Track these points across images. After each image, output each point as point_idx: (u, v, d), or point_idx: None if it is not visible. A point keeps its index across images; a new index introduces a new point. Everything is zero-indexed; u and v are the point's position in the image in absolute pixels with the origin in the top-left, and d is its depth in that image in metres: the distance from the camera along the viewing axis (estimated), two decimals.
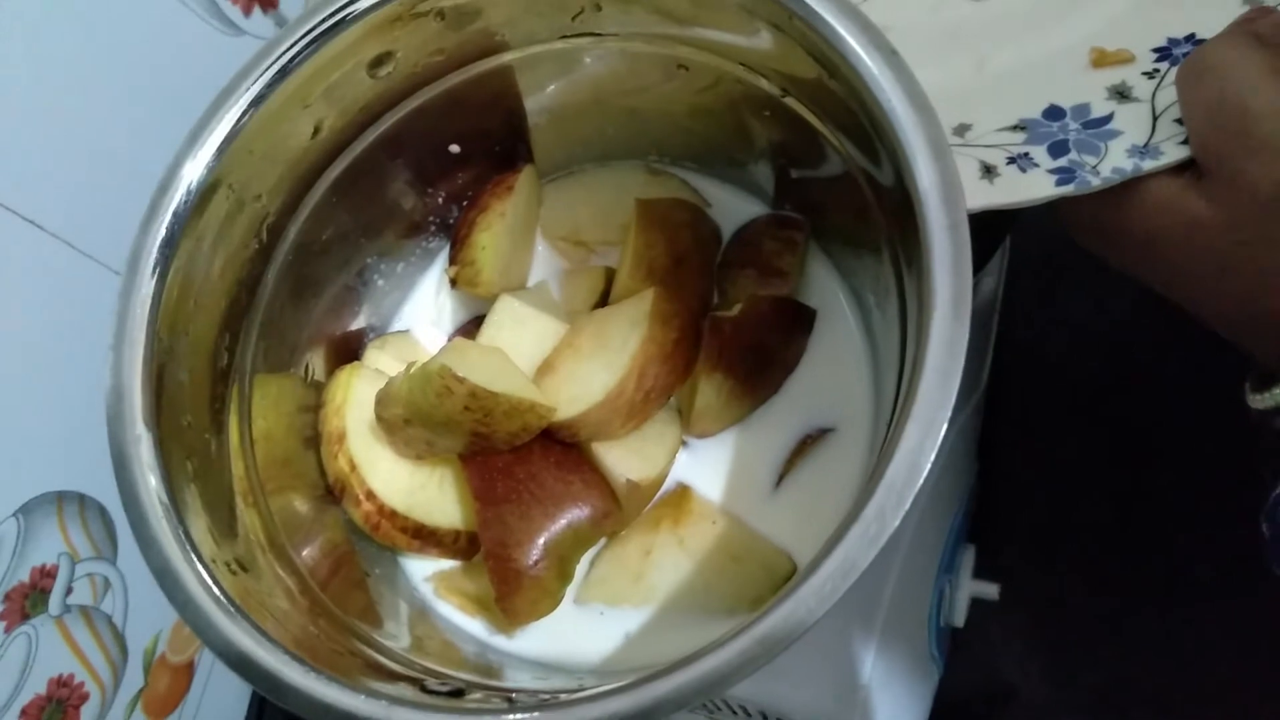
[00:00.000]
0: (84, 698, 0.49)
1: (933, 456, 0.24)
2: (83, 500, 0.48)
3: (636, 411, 0.35)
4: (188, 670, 0.58)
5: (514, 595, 0.32)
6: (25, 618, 0.45)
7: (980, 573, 0.54)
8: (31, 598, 0.45)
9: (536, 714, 0.24)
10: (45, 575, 0.46)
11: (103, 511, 0.49)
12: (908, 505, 0.23)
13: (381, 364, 0.39)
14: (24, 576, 0.44)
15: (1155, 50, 0.32)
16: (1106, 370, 0.63)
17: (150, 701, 0.54)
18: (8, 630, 0.44)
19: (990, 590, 0.54)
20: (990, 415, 0.59)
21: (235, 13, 0.54)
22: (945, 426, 0.24)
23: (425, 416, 0.33)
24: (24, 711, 0.45)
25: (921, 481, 0.24)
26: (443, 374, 0.32)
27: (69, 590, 0.47)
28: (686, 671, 0.23)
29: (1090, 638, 0.59)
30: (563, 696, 0.25)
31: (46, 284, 0.44)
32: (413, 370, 0.33)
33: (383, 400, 0.34)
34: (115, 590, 0.51)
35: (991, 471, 0.60)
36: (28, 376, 0.43)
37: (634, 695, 0.24)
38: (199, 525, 0.28)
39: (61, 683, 0.47)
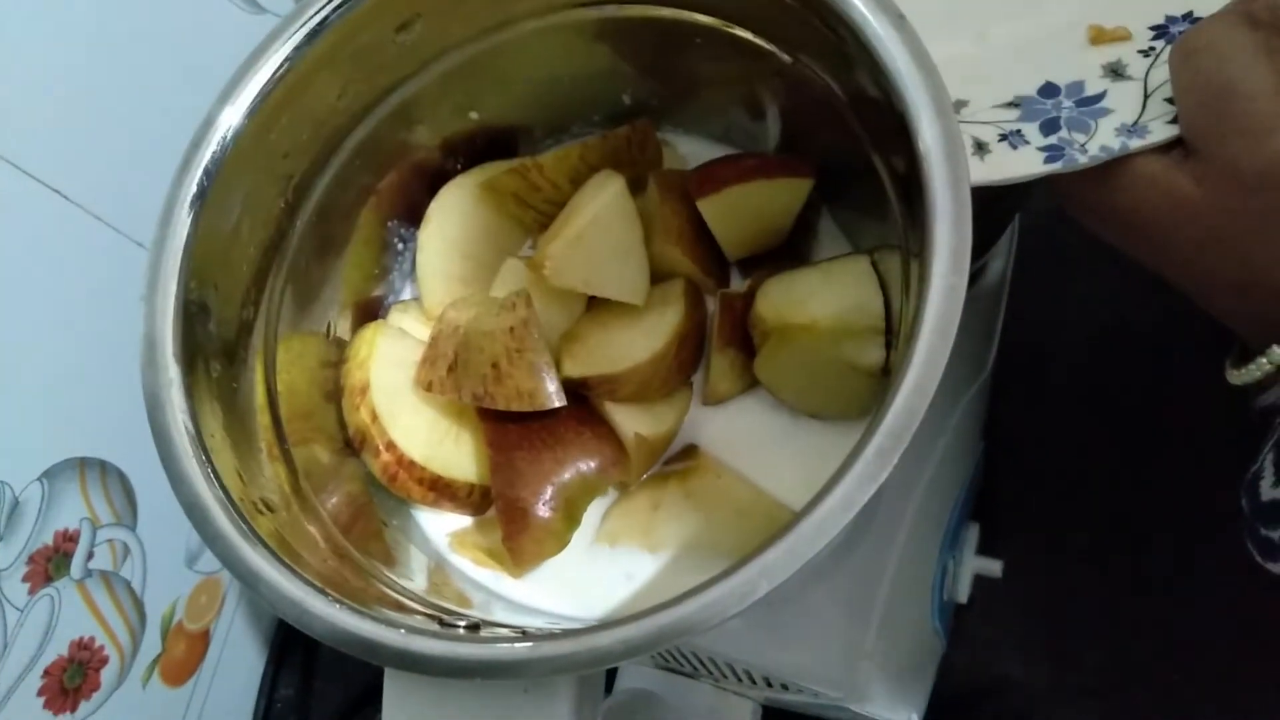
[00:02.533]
0: (104, 661, 0.50)
1: (929, 400, 0.25)
2: (104, 467, 0.49)
3: (669, 379, 0.37)
4: (204, 638, 0.59)
5: (520, 535, 0.34)
6: (48, 580, 0.46)
7: (984, 551, 0.55)
8: (54, 561, 0.46)
9: (549, 643, 0.25)
10: (68, 539, 0.47)
11: (123, 478, 0.50)
12: (904, 446, 0.24)
13: (405, 324, 0.40)
14: (48, 540, 0.46)
15: (1153, 28, 0.33)
16: (1113, 354, 0.64)
17: (167, 667, 0.56)
18: (32, 592, 0.45)
19: (994, 567, 0.55)
20: (997, 397, 0.59)
21: None
22: (942, 372, 0.25)
23: (474, 323, 0.35)
24: (47, 671, 0.46)
25: (918, 424, 0.25)
26: (520, 293, 0.35)
27: (90, 555, 0.48)
28: (692, 601, 0.24)
29: (1092, 620, 0.60)
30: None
31: (69, 253, 0.45)
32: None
33: (459, 304, 0.37)
34: (134, 556, 0.52)
35: (997, 452, 0.60)
36: (51, 344, 0.44)
37: (641, 625, 0.25)
38: (227, 466, 0.30)
39: (82, 645, 0.48)
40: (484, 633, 0.28)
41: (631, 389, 0.36)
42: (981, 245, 0.54)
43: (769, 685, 0.47)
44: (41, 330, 0.44)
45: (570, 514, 0.35)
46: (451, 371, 0.36)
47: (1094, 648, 0.59)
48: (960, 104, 0.33)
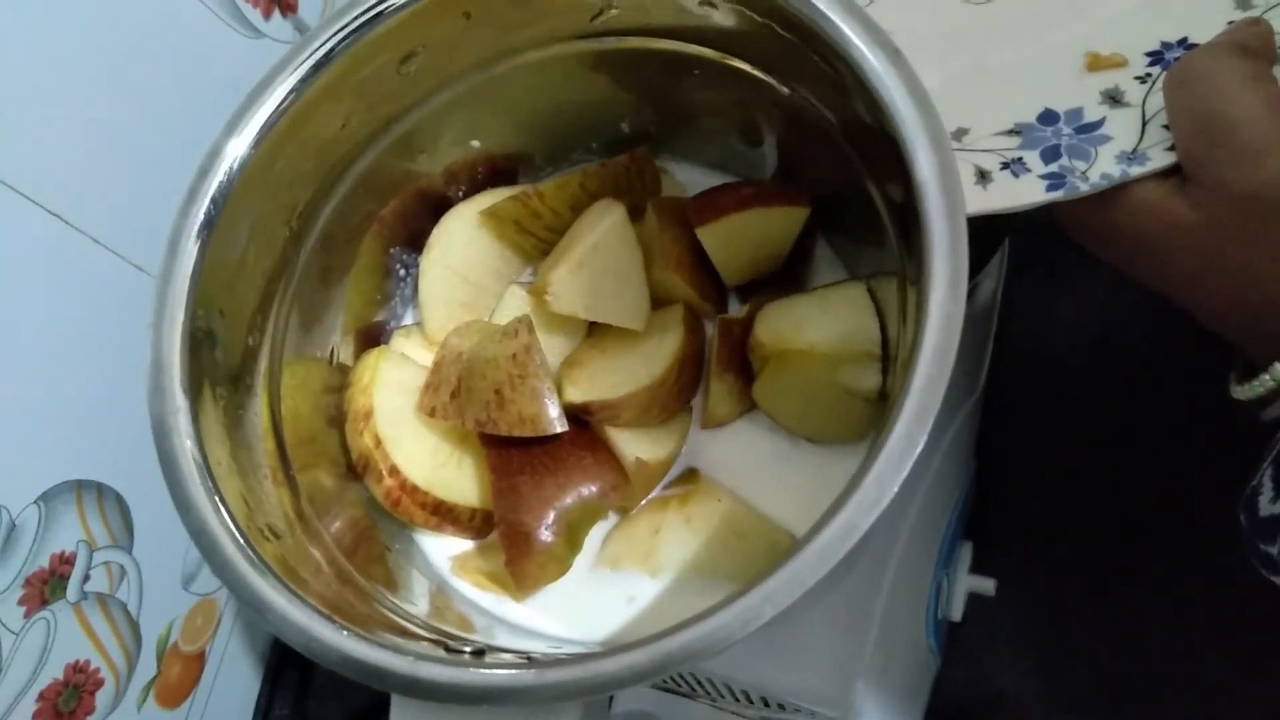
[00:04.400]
0: (99, 684, 0.50)
1: (929, 428, 0.25)
2: (101, 489, 0.48)
3: (669, 404, 0.38)
4: (199, 660, 0.59)
5: (523, 560, 0.34)
6: (44, 603, 0.45)
7: (977, 569, 0.56)
8: (51, 584, 0.46)
9: (554, 669, 0.25)
10: (64, 562, 0.47)
11: (120, 501, 0.50)
12: (905, 473, 0.25)
13: (408, 349, 0.41)
14: (44, 563, 0.45)
15: (1148, 54, 0.33)
16: (1104, 371, 0.64)
17: (163, 689, 0.55)
18: (28, 615, 0.44)
19: (987, 585, 0.55)
20: (989, 415, 0.60)
21: (255, 16, 0.55)
22: (941, 400, 0.25)
23: (477, 350, 0.35)
24: (42, 695, 0.46)
25: (919, 451, 0.25)
26: (522, 320, 0.35)
27: (86, 577, 0.48)
28: (696, 628, 0.25)
29: (1086, 636, 0.60)
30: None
31: (69, 277, 0.45)
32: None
33: (461, 330, 0.37)
34: (131, 579, 0.51)
35: (990, 470, 0.61)
36: (49, 368, 0.44)
37: (646, 651, 0.25)
38: (233, 493, 0.30)
39: (78, 668, 0.48)
40: (489, 658, 0.28)
41: (632, 414, 0.36)
42: (973, 267, 0.54)
43: (766, 705, 0.47)
44: (40, 354, 0.44)
45: (572, 538, 0.35)
46: (454, 397, 0.36)
47: (1088, 663, 0.60)
48: (961, 131, 0.34)
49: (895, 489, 0.25)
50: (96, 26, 0.45)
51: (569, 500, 0.35)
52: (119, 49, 0.46)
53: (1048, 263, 0.60)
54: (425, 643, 0.30)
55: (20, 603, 0.44)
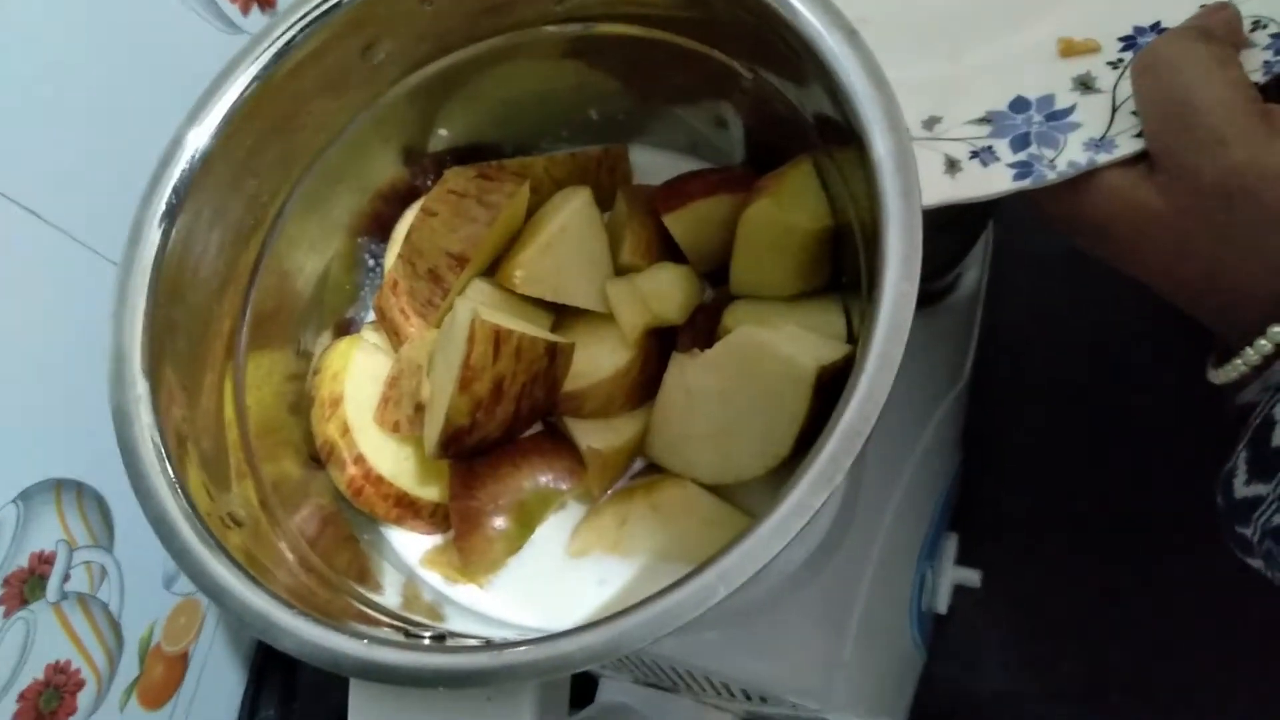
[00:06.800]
0: (80, 684, 0.50)
1: (882, 405, 0.25)
2: (80, 488, 0.48)
3: (634, 394, 0.37)
4: (182, 660, 0.59)
5: (471, 534, 0.34)
6: (24, 603, 0.46)
7: (964, 562, 0.55)
8: (30, 583, 0.46)
9: (511, 650, 0.25)
10: (43, 561, 0.47)
11: (100, 500, 0.50)
12: (858, 449, 0.25)
13: (380, 341, 0.40)
14: (23, 562, 0.45)
15: (1121, 39, 0.33)
16: (1091, 362, 0.64)
17: (145, 690, 0.55)
18: (6, 615, 0.45)
19: (972, 577, 0.55)
20: (975, 406, 0.60)
21: (234, 11, 0.55)
22: (894, 377, 0.25)
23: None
24: (22, 696, 0.46)
25: (870, 431, 0.25)
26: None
27: (66, 577, 0.48)
28: (651, 607, 0.25)
29: (1073, 628, 0.60)
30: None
31: (46, 273, 0.45)
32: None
33: (415, 344, 0.37)
34: (111, 579, 0.51)
35: (975, 462, 0.61)
36: (27, 365, 0.44)
37: (602, 631, 0.25)
38: (195, 481, 0.30)
39: (59, 669, 0.48)
40: (449, 642, 0.28)
41: (596, 404, 0.36)
42: (956, 255, 0.54)
43: (748, 698, 0.47)
44: (18, 351, 0.44)
45: (523, 519, 0.35)
46: (420, 410, 0.36)
47: (1075, 656, 0.60)
48: (934, 120, 0.34)
49: (847, 467, 0.25)
50: (75, 24, 0.45)
51: (524, 484, 0.35)
52: (97, 46, 0.46)
53: (1035, 252, 0.60)
54: (387, 629, 0.29)
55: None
